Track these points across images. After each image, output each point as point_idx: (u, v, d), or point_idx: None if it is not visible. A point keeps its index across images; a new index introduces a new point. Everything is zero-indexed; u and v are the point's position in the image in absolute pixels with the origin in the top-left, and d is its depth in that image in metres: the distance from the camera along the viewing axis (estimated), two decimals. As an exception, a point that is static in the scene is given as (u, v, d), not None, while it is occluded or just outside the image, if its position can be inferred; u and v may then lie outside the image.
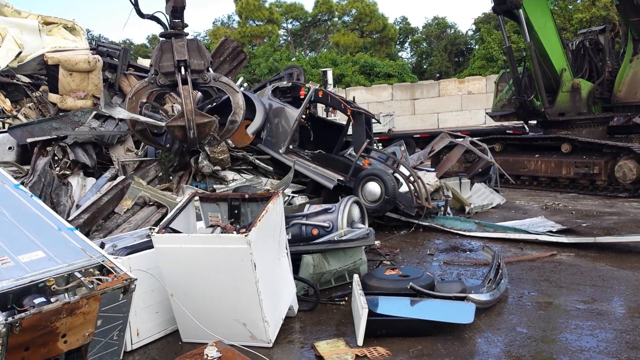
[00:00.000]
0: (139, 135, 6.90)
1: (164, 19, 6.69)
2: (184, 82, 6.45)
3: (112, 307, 3.14)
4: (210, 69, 6.83)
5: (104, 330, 3.18)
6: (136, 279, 3.21)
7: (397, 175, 7.73)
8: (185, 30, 6.61)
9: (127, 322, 3.37)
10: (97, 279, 3.08)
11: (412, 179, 7.54)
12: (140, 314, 3.99)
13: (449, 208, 8.24)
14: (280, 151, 8.03)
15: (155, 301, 4.09)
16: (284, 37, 43.31)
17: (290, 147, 8.13)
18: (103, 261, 3.24)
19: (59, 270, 3.06)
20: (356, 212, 6.26)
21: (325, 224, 5.80)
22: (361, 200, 6.79)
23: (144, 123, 6.72)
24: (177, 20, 6.54)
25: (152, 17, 6.77)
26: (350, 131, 8.71)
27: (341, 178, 7.65)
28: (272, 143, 8.27)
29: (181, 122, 6.41)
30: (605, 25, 12.85)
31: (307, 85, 8.49)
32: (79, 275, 3.09)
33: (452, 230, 7.39)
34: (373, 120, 8.99)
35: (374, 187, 7.25)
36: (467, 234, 7.23)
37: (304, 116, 8.41)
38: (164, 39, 6.62)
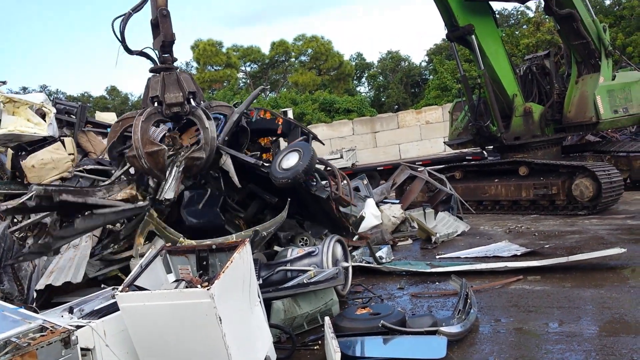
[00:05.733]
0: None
1: (153, 54, 6.65)
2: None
3: None
4: (192, 100, 6.67)
5: None
6: (75, 330, 3.23)
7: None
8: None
9: None
10: (32, 338, 3.05)
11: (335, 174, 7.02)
12: (116, 378, 3.89)
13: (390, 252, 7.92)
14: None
15: (130, 363, 3.98)
16: (243, 80, 43.76)
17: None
18: (43, 322, 3.21)
19: None
20: (339, 250, 6.27)
21: (311, 268, 5.73)
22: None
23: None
24: (166, 55, 6.55)
25: (141, 53, 6.76)
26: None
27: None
28: None
29: (132, 152, 6.22)
30: (550, 50, 13.41)
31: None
32: (15, 340, 3.05)
33: (407, 269, 7.15)
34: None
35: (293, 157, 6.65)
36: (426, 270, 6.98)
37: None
38: (154, 73, 6.56)
